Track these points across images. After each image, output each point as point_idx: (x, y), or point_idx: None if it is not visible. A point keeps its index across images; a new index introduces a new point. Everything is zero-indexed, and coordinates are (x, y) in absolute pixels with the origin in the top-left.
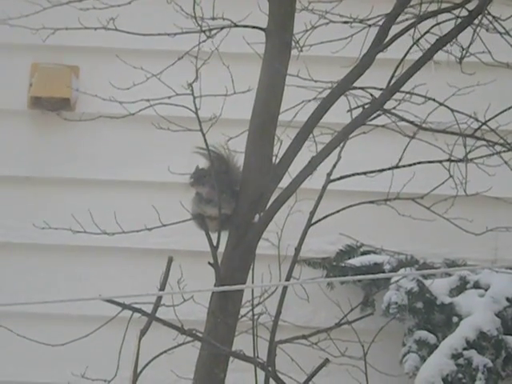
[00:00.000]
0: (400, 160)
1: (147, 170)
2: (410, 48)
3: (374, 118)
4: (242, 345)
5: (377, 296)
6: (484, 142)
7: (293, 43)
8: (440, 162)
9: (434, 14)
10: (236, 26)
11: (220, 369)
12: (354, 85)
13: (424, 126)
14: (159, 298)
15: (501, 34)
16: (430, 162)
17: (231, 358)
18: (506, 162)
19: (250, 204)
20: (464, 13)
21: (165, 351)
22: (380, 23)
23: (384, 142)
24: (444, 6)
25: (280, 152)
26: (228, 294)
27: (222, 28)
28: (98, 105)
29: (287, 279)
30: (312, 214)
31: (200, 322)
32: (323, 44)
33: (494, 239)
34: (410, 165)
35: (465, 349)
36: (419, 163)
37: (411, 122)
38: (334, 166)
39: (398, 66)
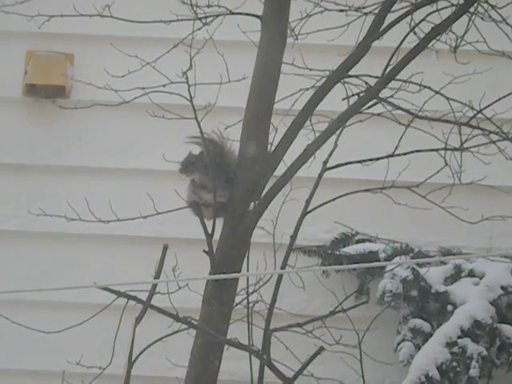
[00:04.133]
0: (396, 148)
1: (142, 158)
2: (406, 36)
3: (370, 106)
4: (236, 333)
5: (372, 284)
6: (480, 131)
7: (288, 31)
8: (436, 150)
9: (430, 1)
10: (231, 13)
11: (215, 356)
12: (350, 73)
13: (420, 114)
14: (154, 286)
15: (496, 22)
16: (425, 150)
17: (226, 346)
18: (501, 151)
19: (245, 192)
20: (460, 1)
21: (160, 339)
22: (376, 11)
23: (380, 131)
24: None
25: (275, 140)
26: (223, 282)
27: (217, 15)
28: (92, 92)
29: (282, 267)
30: (307, 202)
31: (195, 310)
32: (319, 32)
33: (489, 228)
34: (406, 153)
35: (459, 337)
36: (415, 152)
37: (407, 111)
38: (330, 154)
39: (393, 54)
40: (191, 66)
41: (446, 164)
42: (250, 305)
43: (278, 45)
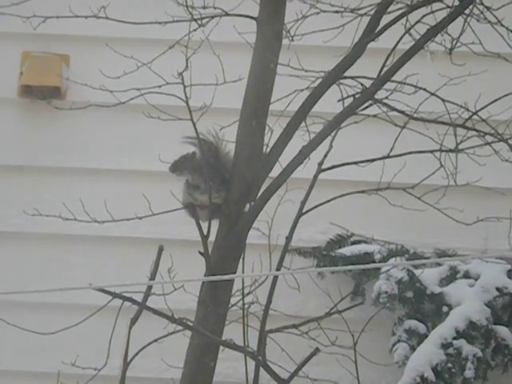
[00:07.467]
0: (391, 150)
1: (137, 159)
2: (401, 37)
3: (366, 107)
4: (232, 334)
5: (367, 285)
6: (475, 132)
7: (284, 32)
8: (431, 151)
9: (426, 3)
10: (227, 14)
11: (210, 358)
12: (345, 74)
13: (415, 115)
14: (149, 287)
15: (492, 24)
16: (420, 151)
17: (221, 347)
18: (496, 152)
19: (241, 193)
20: (455, 2)
21: (155, 340)
22: (371, 12)
23: (375, 132)
24: None
25: (271, 141)
26: (218, 283)
27: (213, 17)
28: (88, 93)
29: (278, 269)
30: (303, 203)
31: (190, 311)
32: (314, 33)
33: (484, 229)
34: (401, 155)
35: (454, 338)
36: (410, 153)
37: (402, 112)
38: (326, 155)
39: (388, 56)
40: (187, 66)
41: (441, 165)
42: (246, 306)
43: (274, 46)
